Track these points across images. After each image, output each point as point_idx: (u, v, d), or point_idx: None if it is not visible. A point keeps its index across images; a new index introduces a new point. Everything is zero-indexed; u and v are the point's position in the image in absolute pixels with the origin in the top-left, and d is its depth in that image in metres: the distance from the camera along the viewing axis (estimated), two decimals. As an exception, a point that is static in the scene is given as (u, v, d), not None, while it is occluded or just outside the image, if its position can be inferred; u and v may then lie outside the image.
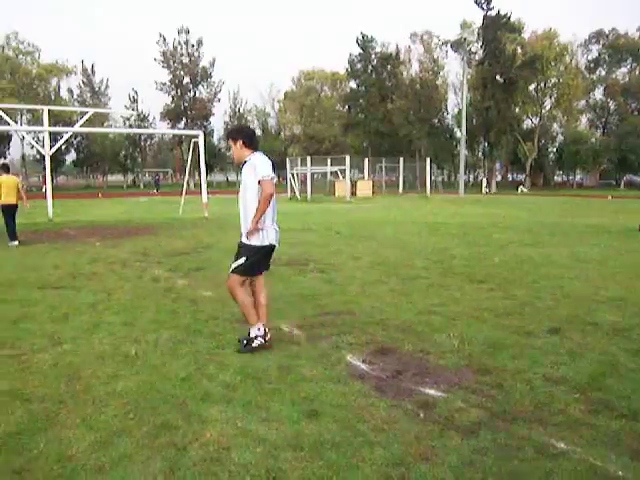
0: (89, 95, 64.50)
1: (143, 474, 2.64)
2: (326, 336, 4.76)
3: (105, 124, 58.46)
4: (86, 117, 20.48)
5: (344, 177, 34.37)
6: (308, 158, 33.76)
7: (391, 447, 2.88)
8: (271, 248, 4.47)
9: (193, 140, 20.07)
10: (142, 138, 67.17)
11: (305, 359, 4.19)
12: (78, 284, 7.04)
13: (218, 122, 72.06)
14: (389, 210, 22.72)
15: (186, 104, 65.91)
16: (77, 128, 22.60)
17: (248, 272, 4.38)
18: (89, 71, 65.15)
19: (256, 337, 4.39)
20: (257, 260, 4.38)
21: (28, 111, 54.76)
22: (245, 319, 4.50)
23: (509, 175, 70.11)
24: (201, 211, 18.36)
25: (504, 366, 4.03)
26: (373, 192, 37.05)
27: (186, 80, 65.57)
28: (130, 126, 61.69)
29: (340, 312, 5.58)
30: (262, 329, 4.42)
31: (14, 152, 68.42)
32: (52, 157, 19.47)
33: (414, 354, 4.34)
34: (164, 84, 65.02)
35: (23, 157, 64.55)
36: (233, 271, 4.36)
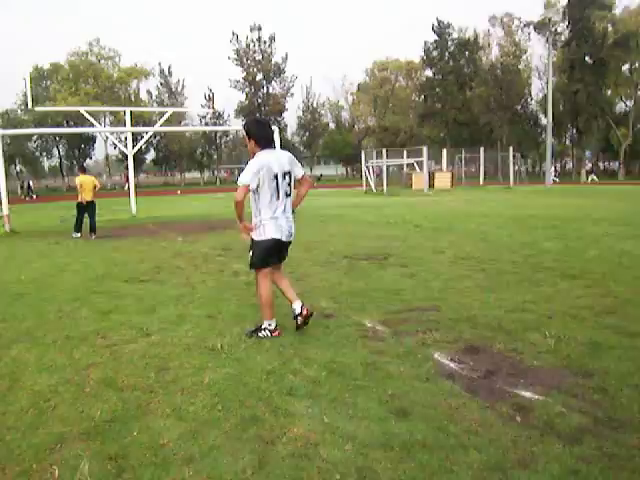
0: (167, 96, 67.31)
1: (232, 466, 2.68)
2: (411, 333, 4.67)
3: (182, 123, 60.83)
4: (166, 117, 21.35)
5: (421, 169, 33.79)
6: (383, 150, 33.46)
7: (486, 451, 2.76)
8: (275, 241, 4.57)
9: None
10: (218, 135, 69.24)
11: (390, 356, 4.12)
12: (162, 278, 7.35)
13: (291, 117, 72.90)
14: (470, 202, 22.09)
15: (260, 100, 67.23)
16: (157, 127, 23.63)
17: (259, 264, 4.64)
18: (166, 72, 67.98)
19: (264, 329, 4.66)
20: (262, 252, 4.58)
21: (111, 113, 58.00)
22: (261, 311, 4.74)
23: (600, 163, 66.20)
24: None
25: (607, 369, 3.77)
26: (452, 184, 36.20)
27: (259, 77, 66.85)
28: (206, 124, 63.82)
29: (425, 308, 5.46)
30: (273, 325, 4.68)
31: (98, 152, 72.82)
32: (134, 156, 20.49)
33: (506, 353, 4.16)
34: (238, 81, 66.68)
35: (107, 157, 68.52)
36: (250, 266, 4.74)
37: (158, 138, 64.16)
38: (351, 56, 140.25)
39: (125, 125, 20.68)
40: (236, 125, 67.02)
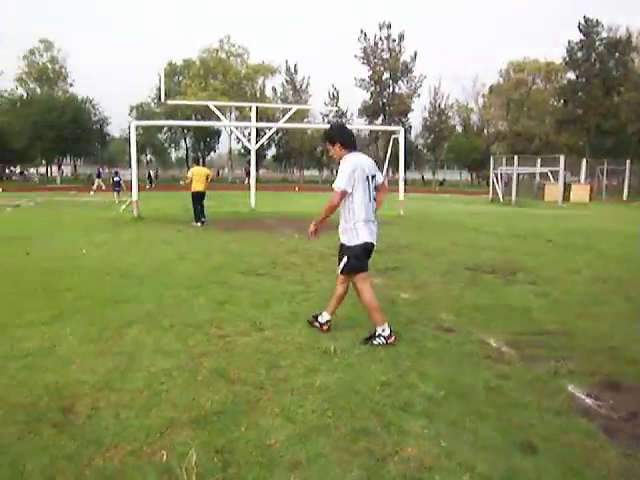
0: (291, 93, 69.43)
1: (340, 479, 2.59)
2: (541, 359, 4.30)
3: (305, 120, 62.40)
4: (290, 113, 21.94)
5: (556, 180, 31.80)
6: (515, 157, 31.94)
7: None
8: (365, 246, 4.59)
9: (393, 136, 20.24)
10: (339, 134, 70.15)
11: (517, 382, 3.82)
12: (278, 273, 7.49)
13: (417, 118, 72.03)
14: (610, 219, 20.36)
15: (385, 100, 67.18)
16: (281, 124, 24.40)
17: (355, 268, 4.63)
18: (292, 70, 70.15)
19: (378, 335, 4.56)
20: (357, 257, 4.60)
21: (236, 108, 60.96)
22: (371, 318, 4.67)
23: None
24: (396, 209, 18.48)
25: None
26: (590, 198, 33.67)
27: (386, 76, 66.79)
28: (329, 122, 64.94)
29: (557, 332, 5.02)
30: (387, 331, 4.56)
31: (222, 146, 76.94)
32: (255, 151, 21.27)
33: (655, 394, 3.68)
34: (363, 80, 67.10)
35: (230, 151, 72.15)
36: (341, 272, 4.71)
37: (280, 135, 66.39)
38: (484, 56, 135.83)
39: (250, 120, 21.56)
40: (359, 124, 67.62)
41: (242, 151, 71.78)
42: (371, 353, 4.32)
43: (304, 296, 6.16)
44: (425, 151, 73.94)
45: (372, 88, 67.53)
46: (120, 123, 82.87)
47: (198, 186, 14.37)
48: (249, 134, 22.15)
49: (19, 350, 4.26)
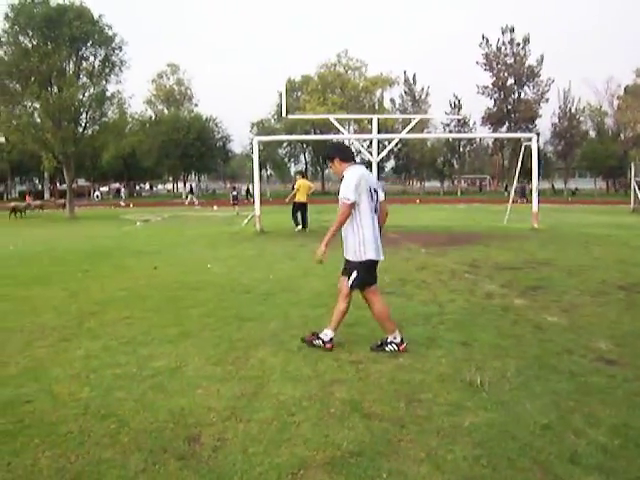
0: (410, 104, 68.75)
1: None
2: None
3: (425, 131, 61.39)
4: (412, 124, 21.54)
5: None
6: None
7: None
8: (372, 263, 4.65)
9: (524, 144, 19.20)
10: (461, 144, 68.35)
11: None
12: (408, 291, 7.07)
13: (545, 124, 67.77)
14: None
15: (509, 107, 64.36)
16: (403, 135, 23.97)
17: (360, 284, 4.67)
18: (410, 81, 69.45)
19: (390, 342, 4.62)
20: (366, 273, 4.66)
21: (355, 121, 61.45)
22: (382, 326, 4.72)
23: None
24: (528, 221, 17.31)
25: None
26: None
27: (510, 81, 63.97)
28: (450, 132, 63.47)
29: None
30: (399, 338, 4.62)
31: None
32: (377, 163, 21.05)
33: None
34: (486, 87, 64.82)
35: (348, 164, 72.84)
36: (351, 287, 4.69)
37: (400, 146, 65.87)
38: (617, 55, 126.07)
39: (370, 133, 21.38)
40: (482, 133, 65.33)
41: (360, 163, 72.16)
42: (525, 388, 3.78)
43: (439, 318, 5.69)
44: (555, 159, 69.57)
45: (496, 95, 64.99)
46: (242, 140, 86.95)
47: (301, 197, 16.16)
48: (368, 146, 21.90)
49: (147, 369, 4.23)
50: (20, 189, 67.70)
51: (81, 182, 66.57)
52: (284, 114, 20.94)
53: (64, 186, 39.57)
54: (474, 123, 67.06)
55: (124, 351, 4.70)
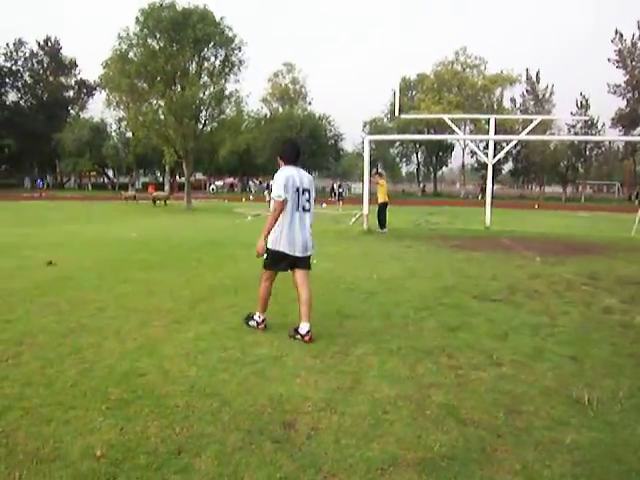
0: (532, 103, 65.63)
1: None
2: None
3: (547, 133, 58.41)
4: (533, 125, 20.61)
5: None
6: None
7: None
8: (284, 255, 5.07)
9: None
10: (588, 147, 64.23)
11: None
12: (517, 300, 6.85)
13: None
14: None
15: (644, 106, 59.60)
16: (522, 136, 23.07)
17: (268, 267, 5.26)
18: (533, 79, 66.25)
19: (253, 318, 5.39)
20: (272, 260, 5.18)
21: (471, 121, 59.86)
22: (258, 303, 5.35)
23: None
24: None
25: None
26: None
27: (646, 80, 59.23)
28: (575, 134, 59.96)
29: None
30: (262, 318, 5.34)
31: (454, 161, 76.21)
32: (492, 166, 20.43)
33: None
34: (618, 86, 60.53)
35: (462, 165, 71.11)
36: (263, 266, 5.31)
37: (518, 148, 63.25)
38: None
39: (487, 133, 20.77)
40: (612, 136, 61.12)
41: (475, 166, 70.13)
42: (637, 411, 3.57)
43: (549, 330, 5.47)
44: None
45: (629, 94, 60.50)
46: (354, 138, 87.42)
47: (383, 197, 16.69)
48: (484, 148, 21.33)
49: (250, 355, 4.48)
50: (143, 180, 72.93)
51: (198, 175, 70.45)
52: (397, 113, 20.90)
53: (183, 179, 42.22)
54: (603, 125, 62.95)
55: (230, 336, 5.01)
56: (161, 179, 70.50)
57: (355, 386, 3.86)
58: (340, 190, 35.43)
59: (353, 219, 20.24)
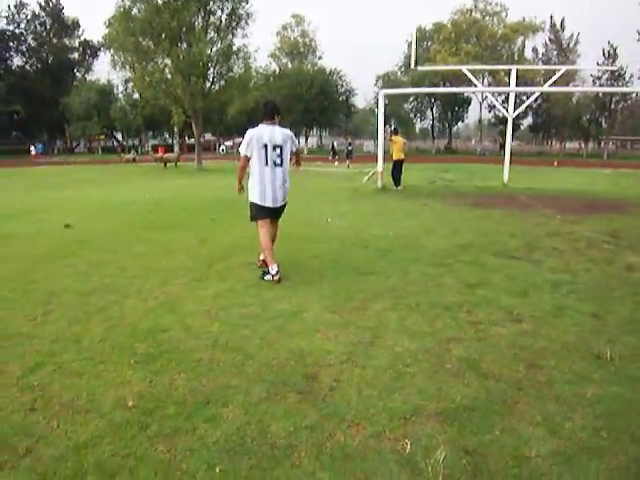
0: (555, 53, 63.92)
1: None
2: None
3: (571, 84, 57.02)
4: (557, 76, 20.16)
5: None
6: None
7: None
8: (258, 205, 5.72)
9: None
10: (613, 100, 62.61)
11: None
12: (536, 257, 6.89)
13: None
14: None
15: (679, 55, 57.88)
16: (545, 88, 22.52)
17: (253, 218, 5.85)
18: (558, 27, 64.33)
19: (267, 273, 5.67)
20: (251, 210, 5.83)
21: (489, 74, 58.54)
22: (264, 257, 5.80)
23: None
24: None
25: None
26: None
27: (684, 24, 57.24)
28: (600, 85, 58.47)
29: None
30: (275, 269, 5.58)
31: (471, 116, 75.03)
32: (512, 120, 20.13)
33: None
34: (649, 35, 58.55)
35: (479, 121, 70.00)
36: (250, 218, 5.90)
37: (539, 102, 61.93)
38: None
39: (508, 86, 20.38)
40: (640, 87, 59.50)
41: (493, 121, 69.02)
42: (657, 365, 3.64)
43: (570, 287, 5.51)
44: None
45: (663, 44, 58.53)
46: (365, 94, 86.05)
47: (399, 154, 16.59)
48: (504, 101, 20.94)
49: (270, 311, 4.61)
50: (152, 142, 72.82)
51: (207, 136, 70.13)
52: (412, 65, 20.46)
53: (192, 140, 42.11)
54: (631, 76, 61.11)
55: (249, 293, 5.15)
56: (170, 141, 70.36)
57: (375, 340, 3.98)
58: (350, 148, 35.83)
59: (366, 177, 20.17)
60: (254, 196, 5.71)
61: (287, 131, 5.83)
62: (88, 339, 4.00)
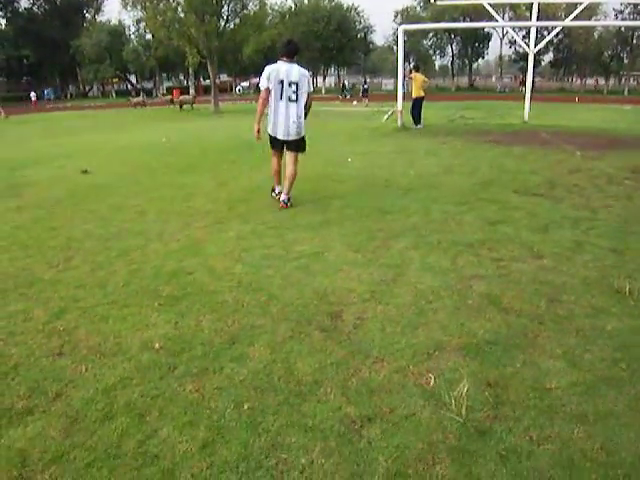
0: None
1: (634, 442, 2.24)
2: None
3: (593, 19, 54.62)
4: (579, 10, 19.26)
5: None
6: None
7: None
8: (271, 136, 6.28)
9: None
10: (635, 35, 60.16)
11: None
12: (558, 194, 6.79)
13: None
14: None
15: None
16: (567, 22, 21.58)
17: (270, 146, 6.45)
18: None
19: (273, 190, 6.75)
20: (270, 140, 6.36)
21: (510, 8, 56.19)
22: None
23: None
24: None
25: None
26: None
27: None
28: (624, 19, 56.05)
29: None
30: (277, 189, 6.61)
31: (491, 52, 72.60)
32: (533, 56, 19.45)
33: None
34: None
35: (500, 57, 67.80)
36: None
37: (560, 37, 59.71)
38: None
39: (529, 20, 19.56)
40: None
41: (513, 57, 66.86)
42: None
43: (590, 223, 5.45)
44: None
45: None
46: (384, 30, 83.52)
47: (418, 92, 16.04)
48: (524, 36, 20.19)
49: (292, 252, 4.63)
50: (167, 85, 71.76)
51: (223, 77, 68.89)
52: (432, 0, 19.76)
53: (208, 82, 41.34)
54: (656, 9, 58.50)
55: (271, 235, 5.16)
56: (185, 82, 69.26)
57: (398, 278, 3.99)
58: (365, 86, 35.63)
59: (386, 116, 19.81)
60: (269, 127, 6.20)
61: (305, 71, 6.08)
62: (112, 284, 4.03)
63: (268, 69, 5.97)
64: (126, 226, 5.62)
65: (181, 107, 32.56)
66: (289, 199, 6.23)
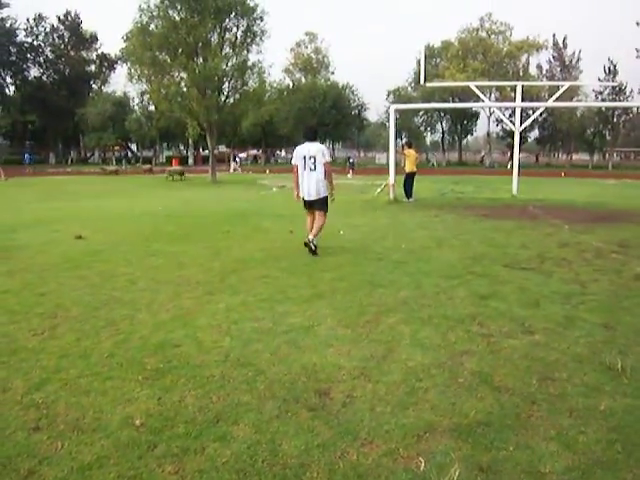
0: (559, 70, 63.80)
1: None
2: None
3: (574, 99, 56.75)
4: (561, 91, 20.06)
5: None
6: None
7: None
8: (303, 199, 7.95)
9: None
10: (615, 114, 62.38)
11: None
12: (547, 269, 6.78)
13: None
14: None
15: (678, 70, 57.42)
16: (550, 103, 22.42)
17: (304, 207, 8.09)
18: (560, 44, 64.25)
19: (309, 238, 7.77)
20: (303, 203, 8.02)
21: (496, 89, 58.42)
22: None
23: None
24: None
25: None
26: None
27: (681, 42, 56.76)
28: (603, 100, 58.23)
29: None
30: (308, 237, 7.72)
31: (479, 129, 74.78)
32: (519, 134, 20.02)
33: None
34: (648, 52, 58.19)
35: (488, 134, 69.78)
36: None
37: (545, 116, 61.77)
38: None
39: (513, 101, 20.24)
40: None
41: (501, 134, 68.81)
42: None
43: (580, 298, 5.41)
44: None
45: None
46: (377, 108, 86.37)
47: (412, 167, 16.53)
48: (510, 115, 20.86)
49: (282, 326, 4.52)
50: (167, 154, 73.06)
51: (222, 148, 70.33)
52: (422, 82, 20.44)
53: (206, 152, 42.14)
54: (631, 91, 60.90)
55: (261, 307, 5.06)
56: (185, 152, 70.63)
57: (388, 355, 3.88)
58: (351, 160, 39.28)
59: (378, 189, 20.05)
60: (301, 192, 7.89)
61: (322, 147, 7.95)
62: (96, 354, 3.90)
63: (296, 150, 7.95)
64: (116, 294, 5.52)
65: (172, 177, 32.48)
66: (313, 241, 7.57)
